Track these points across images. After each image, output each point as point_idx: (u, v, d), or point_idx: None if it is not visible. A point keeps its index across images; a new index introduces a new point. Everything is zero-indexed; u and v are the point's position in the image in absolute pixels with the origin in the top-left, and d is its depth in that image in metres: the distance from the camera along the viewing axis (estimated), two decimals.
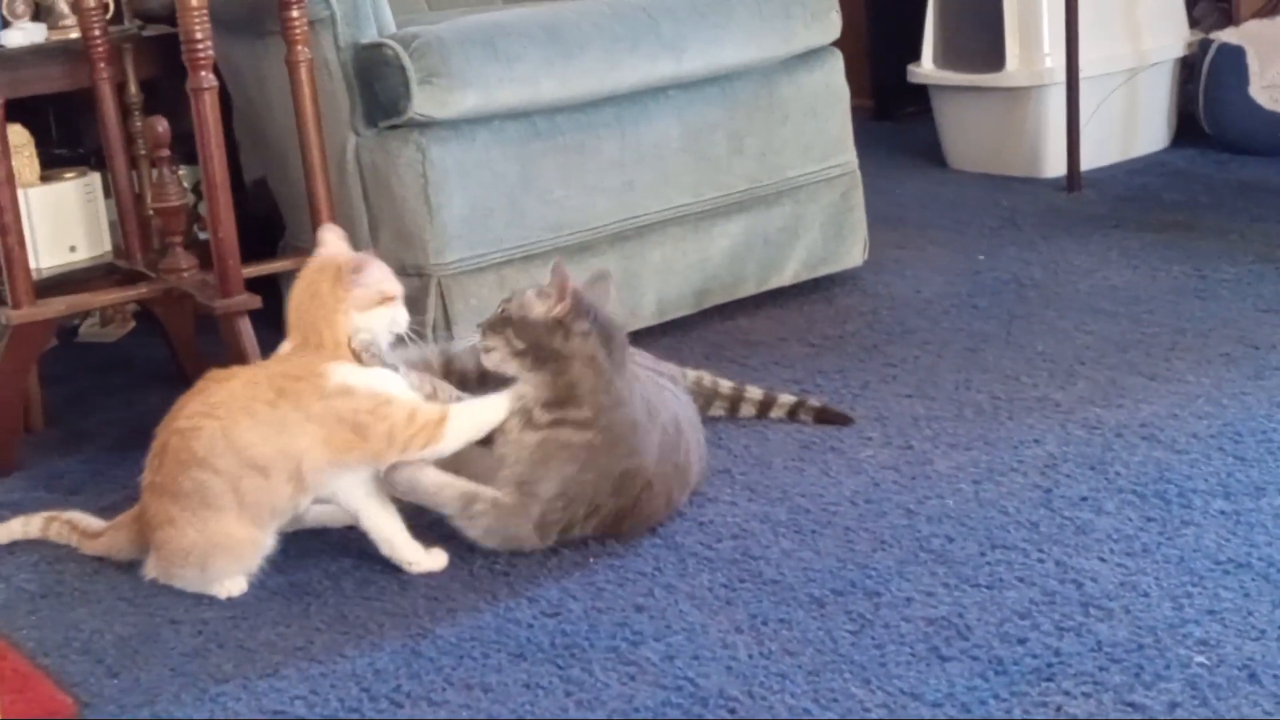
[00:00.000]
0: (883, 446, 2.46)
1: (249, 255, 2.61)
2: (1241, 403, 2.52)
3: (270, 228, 3.24)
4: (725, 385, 2.65)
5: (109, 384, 3.14)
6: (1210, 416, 2.47)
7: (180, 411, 2.17)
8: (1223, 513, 2.14)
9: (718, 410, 2.63)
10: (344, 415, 2.11)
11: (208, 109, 2.46)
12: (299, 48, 2.66)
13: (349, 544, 2.27)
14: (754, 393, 2.65)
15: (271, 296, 2.80)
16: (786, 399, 2.63)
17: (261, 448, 2.10)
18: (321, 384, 2.12)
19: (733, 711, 1.75)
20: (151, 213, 2.89)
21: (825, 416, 2.60)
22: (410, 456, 2.13)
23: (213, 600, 2.13)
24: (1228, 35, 4.34)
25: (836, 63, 3.35)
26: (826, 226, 3.33)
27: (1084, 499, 2.22)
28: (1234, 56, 4.28)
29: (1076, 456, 2.36)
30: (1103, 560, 2.04)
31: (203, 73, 2.45)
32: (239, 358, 2.51)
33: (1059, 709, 1.70)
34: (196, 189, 3.17)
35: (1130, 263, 3.40)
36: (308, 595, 2.13)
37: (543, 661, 1.89)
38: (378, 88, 2.77)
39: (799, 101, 3.28)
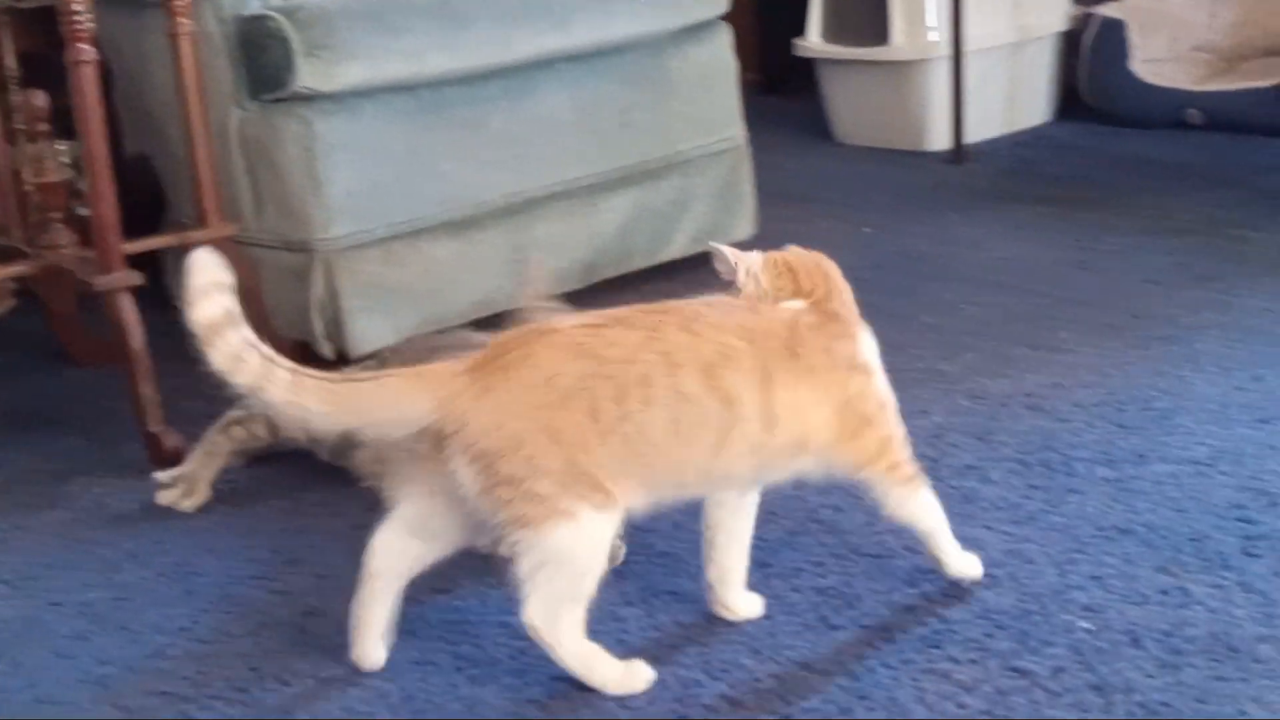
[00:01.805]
0: None
1: (130, 231, 2.56)
2: (1125, 372, 2.56)
3: (151, 203, 3.19)
4: None
5: None
6: (1094, 386, 2.51)
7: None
8: (1106, 480, 2.17)
9: None
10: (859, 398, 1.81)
11: (87, 83, 2.41)
12: (180, 20, 2.61)
13: (234, 522, 2.25)
14: None
15: (154, 273, 2.77)
16: None
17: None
18: (850, 353, 1.85)
19: None
20: (30, 188, 2.83)
21: None
22: (880, 484, 1.84)
23: (94, 582, 2.10)
24: (1110, 9, 4.40)
25: (725, 36, 3.35)
26: (715, 200, 3.33)
27: (970, 468, 2.24)
28: (1116, 30, 4.34)
29: (963, 426, 2.38)
30: (989, 529, 2.06)
31: (82, 45, 2.39)
32: (121, 336, 2.47)
33: (946, 675, 1.72)
34: (76, 164, 3.11)
35: (1016, 235, 3.44)
36: (193, 576, 2.10)
37: (433, 638, 1.88)
38: (261, 60, 2.73)
39: (687, 75, 3.27)
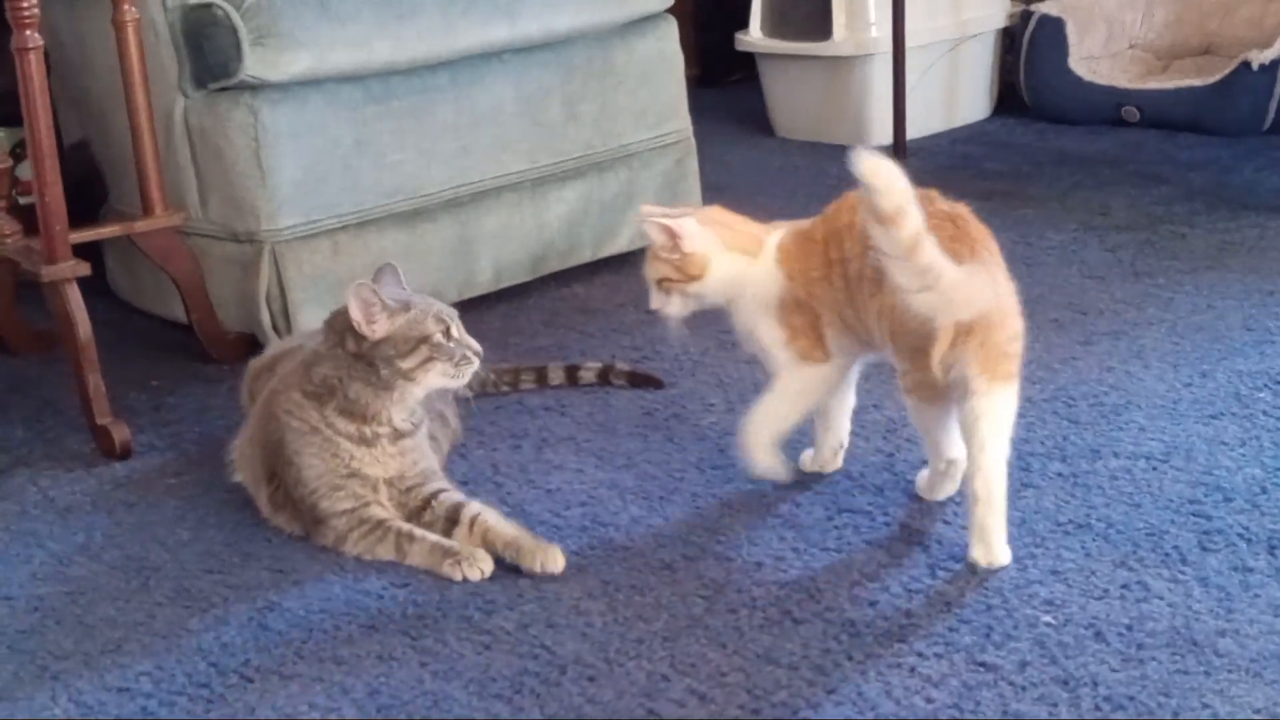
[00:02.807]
0: (725, 413, 2.47)
1: (69, 220, 2.52)
2: (1073, 367, 2.58)
3: (90, 192, 3.15)
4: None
5: None
6: (1043, 381, 2.52)
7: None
8: (1060, 475, 2.19)
9: (527, 383, 2.63)
10: None
11: (33, 69, 2.37)
12: (125, 7, 2.58)
13: (186, 516, 2.23)
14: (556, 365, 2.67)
15: (98, 262, 2.73)
16: (592, 364, 2.65)
17: None
18: None
19: (591, 679, 1.74)
20: None
21: (637, 380, 2.61)
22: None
23: (48, 576, 2.07)
24: (1048, 7, 4.43)
25: (671, 29, 3.35)
26: (661, 193, 3.33)
27: (925, 463, 2.24)
28: (1054, 27, 4.37)
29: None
30: (947, 523, 2.07)
31: (28, 31, 2.36)
32: (68, 326, 2.43)
33: (913, 670, 1.72)
34: (14, 151, 3.07)
35: None
36: (146, 569, 2.08)
37: (395, 633, 1.87)
38: (207, 48, 2.70)
39: (633, 68, 3.27)
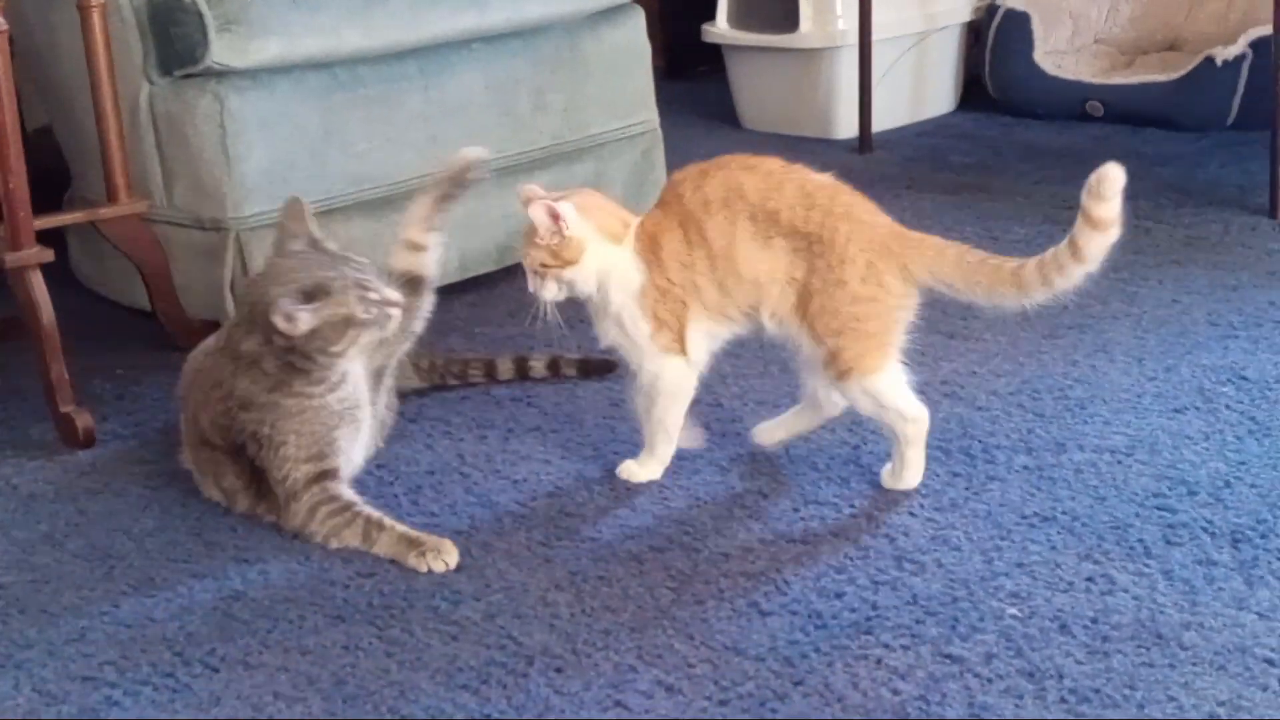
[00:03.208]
0: (693, 403, 2.46)
1: (33, 207, 2.50)
2: (1038, 360, 2.59)
3: (54, 178, 3.12)
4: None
5: None
6: (1009, 374, 2.53)
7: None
8: (1026, 468, 2.20)
9: (476, 375, 2.63)
10: None
11: None
12: None
13: (150, 505, 2.22)
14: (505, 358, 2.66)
15: (61, 249, 2.71)
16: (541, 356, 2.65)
17: None
18: None
19: (559, 670, 1.74)
20: None
21: (588, 368, 2.61)
22: None
23: (11, 564, 2.06)
24: (1014, 1, 4.44)
25: (639, 20, 3.35)
26: (629, 184, 3.33)
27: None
28: (1020, 22, 4.38)
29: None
30: (913, 515, 2.07)
31: None
32: (31, 314, 2.42)
33: (879, 661, 1.73)
34: None
35: (923, 223, 3.40)
36: (110, 558, 2.07)
37: (361, 623, 1.86)
38: (174, 34, 2.68)
39: (602, 58, 3.26)
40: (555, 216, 2.07)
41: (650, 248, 2.12)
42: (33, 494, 2.27)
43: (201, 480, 2.21)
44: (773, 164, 2.13)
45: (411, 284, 2.24)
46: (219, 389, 2.12)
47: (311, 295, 2.02)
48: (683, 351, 2.14)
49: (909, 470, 2.14)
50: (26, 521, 2.19)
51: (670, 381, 2.15)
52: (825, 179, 2.11)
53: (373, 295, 2.06)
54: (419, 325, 2.28)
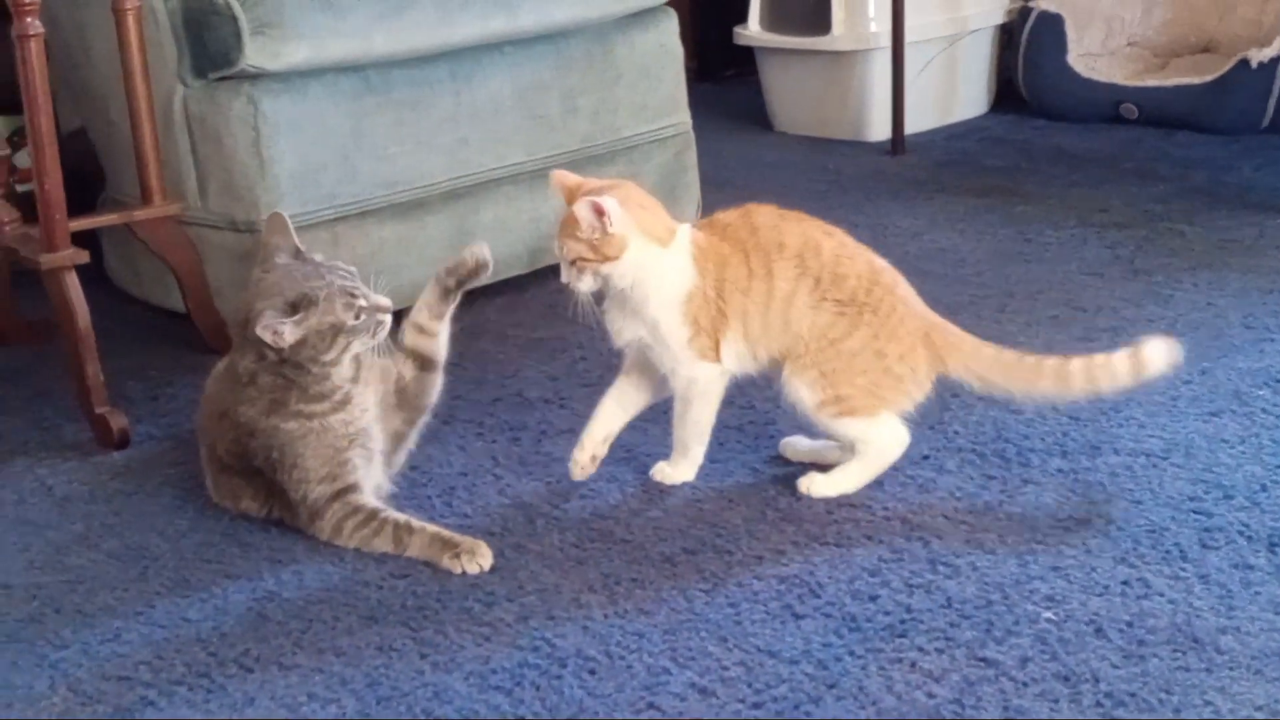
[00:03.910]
0: (726, 405, 2.45)
1: (67, 209, 2.51)
2: None
3: (87, 180, 3.14)
4: None
5: None
6: None
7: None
8: (1060, 471, 2.19)
9: None
10: None
11: (34, 57, 2.36)
12: None
13: (184, 506, 2.22)
14: None
15: (95, 251, 2.72)
16: None
17: None
18: None
19: (592, 671, 1.74)
20: None
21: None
22: None
23: (46, 564, 2.06)
24: (1047, 3, 4.42)
25: (671, 23, 3.35)
26: (660, 186, 3.32)
27: (925, 458, 2.25)
28: (1053, 24, 4.37)
29: (915, 416, 2.37)
30: (947, 518, 2.07)
31: (28, 19, 2.34)
32: (67, 315, 2.42)
33: (914, 665, 1.72)
34: (12, 139, 3.06)
35: (955, 226, 3.45)
36: (144, 559, 2.07)
37: (395, 624, 1.86)
38: (207, 38, 2.69)
39: (633, 61, 3.26)
40: (600, 212, 2.05)
41: (708, 258, 2.11)
42: (67, 495, 2.28)
43: (224, 504, 2.21)
44: (846, 237, 2.19)
45: (422, 363, 2.25)
46: (226, 418, 2.12)
47: (296, 306, 2.02)
48: (717, 359, 2.13)
49: (850, 482, 2.16)
50: (61, 522, 2.19)
51: (705, 386, 2.15)
52: (888, 265, 2.17)
53: (360, 302, 2.05)
54: (431, 400, 2.27)
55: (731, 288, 2.11)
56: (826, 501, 2.13)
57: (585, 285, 2.10)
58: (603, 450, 2.20)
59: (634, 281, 2.11)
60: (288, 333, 2.01)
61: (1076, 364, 2.08)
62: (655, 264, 2.10)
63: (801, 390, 2.11)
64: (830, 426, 2.14)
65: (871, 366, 2.10)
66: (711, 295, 2.10)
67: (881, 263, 2.17)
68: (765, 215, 2.17)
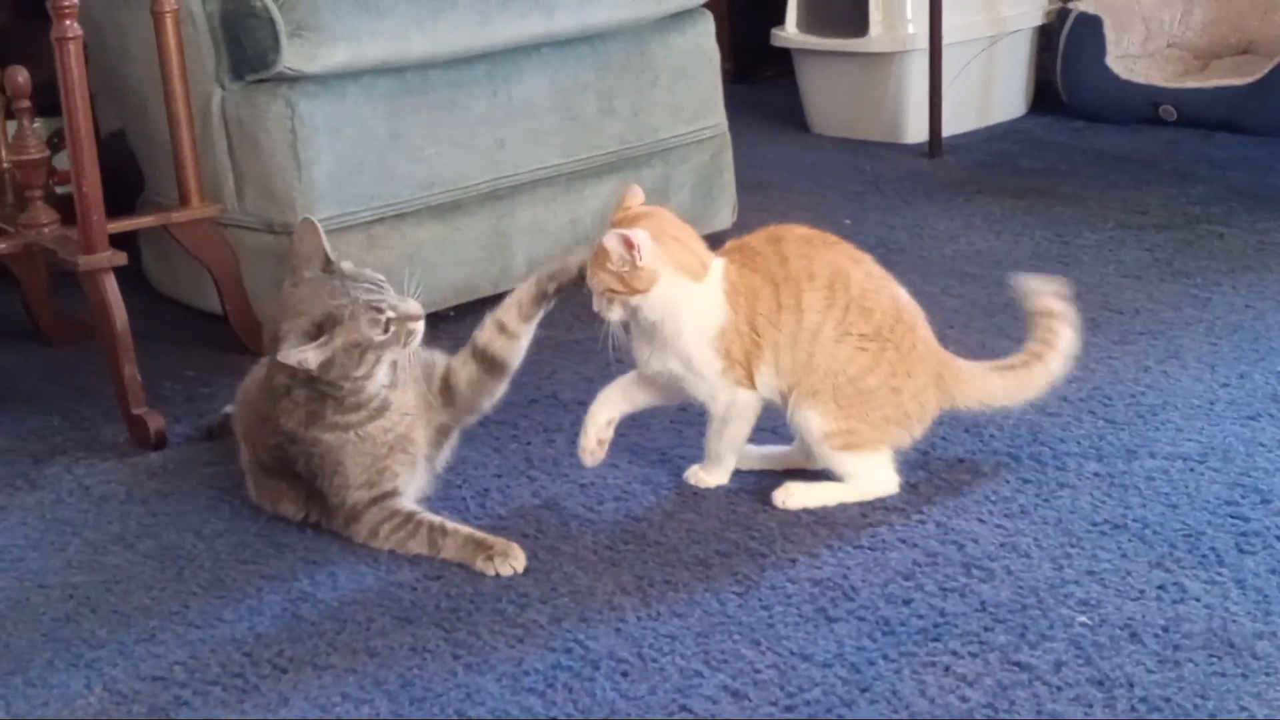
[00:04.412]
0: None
1: (105, 210, 2.53)
2: (1109, 367, 2.56)
3: (125, 183, 3.15)
4: None
5: None
6: (1079, 380, 2.50)
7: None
8: (1096, 475, 2.18)
9: None
10: None
11: (72, 59, 2.37)
12: None
13: (220, 506, 2.23)
14: None
15: (133, 252, 2.74)
16: None
17: None
18: None
19: (624, 674, 1.74)
20: (8, 166, 2.80)
21: None
22: None
23: (83, 564, 2.08)
24: (1086, 4, 4.40)
25: (707, 24, 3.35)
26: (696, 188, 3.33)
27: (960, 461, 2.24)
28: (1092, 25, 4.35)
29: (951, 419, 2.37)
30: (982, 522, 2.06)
31: (67, 21, 2.36)
32: (104, 316, 2.44)
33: (947, 669, 1.72)
34: (51, 141, 3.08)
35: (993, 228, 3.44)
36: (180, 559, 2.08)
37: (429, 625, 1.87)
38: (245, 40, 2.71)
39: (670, 62, 3.26)
40: (630, 245, 2.02)
41: (739, 292, 2.09)
42: (104, 495, 2.30)
43: (264, 505, 2.22)
44: (874, 265, 2.16)
45: (491, 366, 2.20)
46: (267, 424, 2.13)
47: (321, 327, 2.01)
48: (753, 387, 2.13)
49: (828, 497, 2.15)
50: (98, 522, 2.21)
51: (743, 409, 2.14)
52: (910, 299, 2.16)
53: (387, 314, 2.03)
54: (487, 405, 2.24)
55: (764, 321, 2.09)
56: (861, 505, 2.12)
57: (615, 315, 2.08)
58: (608, 434, 2.19)
59: (664, 315, 2.08)
60: (311, 359, 2.00)
61: (1052, 356, 2.16)
62: (686, 299, 2.08)
63: (813, 418, 2.10)
64: (831, 457, 2.12)
65: (886, 403, 2.10)
66: (745, 330, 2.09)
67: (905, 297, 2.15)
68: (795, 243, 2.13)
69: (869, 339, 2.08)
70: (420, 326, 2.08)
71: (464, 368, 2.19)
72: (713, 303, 2.09)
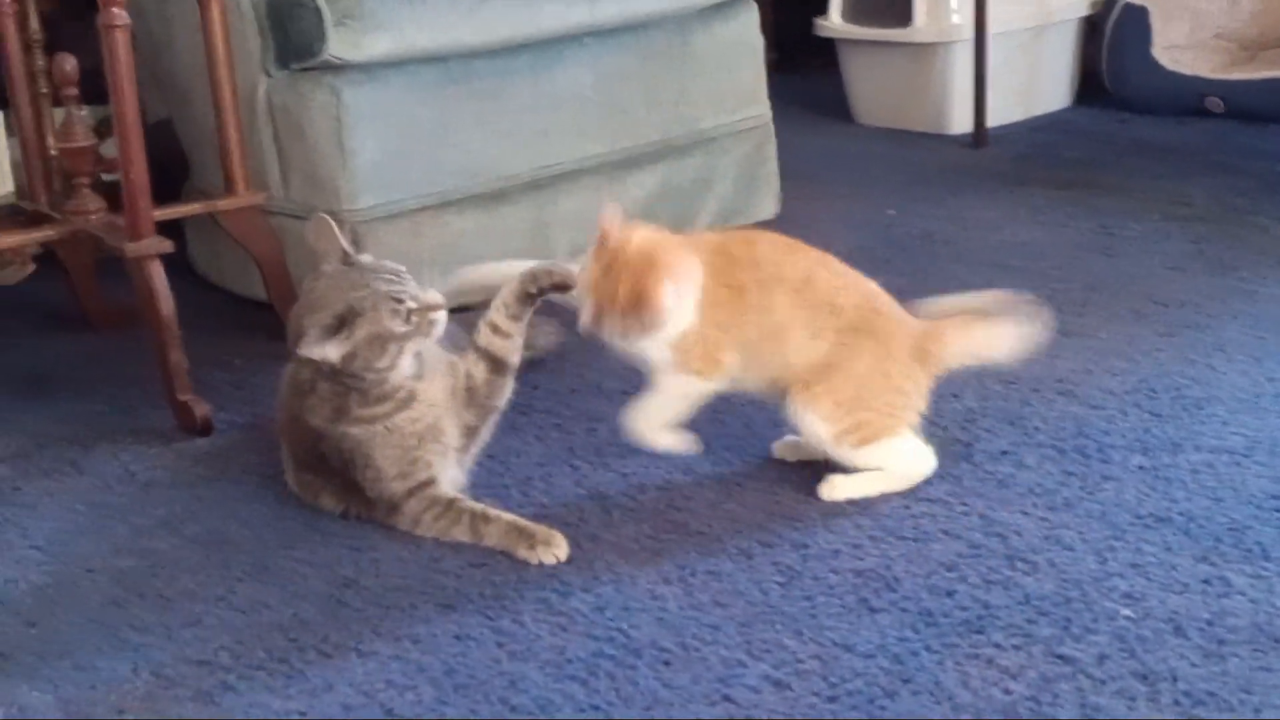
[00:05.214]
0: None
1: (152, 197, 2.54)
2: (1154, 359, 2.55)
3: (172, 170, 3.17)
4: None
5: (9, 328, 3.06)
6: (1124, 373, 2.50)
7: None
8: (1141, 468, 2.17)
9: None
10: None
11: (120, 47, 2.39)
12: None
13: (265, 492, 2.24)
14: None
15: (179, 240, 2.75)
16: None
17: None
18: None
19: (667, 663, 1.74)
20: (56, 153, 2.82)
21: None
22: None
23: (129, 549, 2.09)
24: None
25: (751, 14, 3.34)
26: (740, 178, 3.33)
27: (1004, 453, 2.24)
28: (1138, 16, 4.33)
29: (995, 411, 2.38)
30: (1025, 514, 2.05)
31: (115, 9, 2.37)
32: (151, 303, 2.45)
33: (990, 661, 1.71)
34: (98, 129, 3.09)
35: (1037, 219, 3.43)
36: (226, 545, 2.09)
37: (472, 613, 1.87)
38: (291, 29, 2.72)
39: (713, 52, 3.26)
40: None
41: (710, 301, 2.09)
42: (150, 481, 2.31)
43: (305, 499, 2.22)
44: (839, 265, 2.17)
45: (495, 364, 2.19)
46: (298, 422, 2.14)
47: (343, 320, 2.01)
48: (708, 377, 2.13)
49: (870, 488, 2.14)
50: (144, 507, 2.22)
51: (687, 393, 2.14)
52: (877, 287, 2.16)
53: (407, 305, 2.04)
54: (501, 402, 2.21)
55: (732, 324, 2.09)
56: (904, 496, 2.12)
57: (602, 334, 2.09)
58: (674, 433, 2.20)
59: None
60: (331, 352, 2.01)
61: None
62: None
63: (816, 423, 2.10)
64: (854, 456, 2.11)
65: (883, 387, 2.10)
66: (710, 333, 2.09)
67: (874, 287, 2.15)
68: (768, 247, 2.15)
69: (844, 333, 2.09)
70: (442, 316, 2.08)
71: (476, 368, 2.19)
72: (684, 310, 2.08)
